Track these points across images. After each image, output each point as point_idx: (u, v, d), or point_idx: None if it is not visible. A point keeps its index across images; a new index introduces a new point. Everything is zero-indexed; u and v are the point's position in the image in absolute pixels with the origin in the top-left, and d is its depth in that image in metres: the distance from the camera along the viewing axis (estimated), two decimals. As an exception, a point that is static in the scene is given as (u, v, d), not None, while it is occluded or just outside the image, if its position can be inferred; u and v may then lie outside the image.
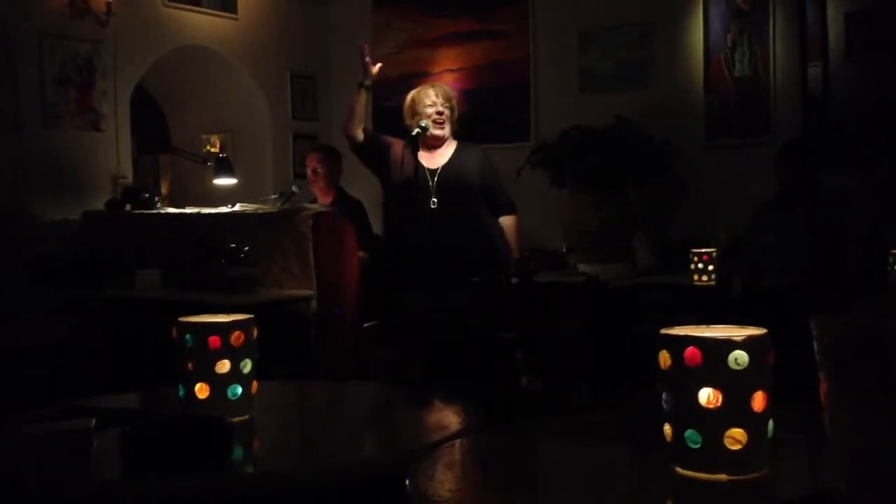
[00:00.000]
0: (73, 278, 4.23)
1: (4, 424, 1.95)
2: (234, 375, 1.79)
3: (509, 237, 3.83)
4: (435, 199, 3.62)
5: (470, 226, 3.66)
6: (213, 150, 5.58)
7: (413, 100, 3.79)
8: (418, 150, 3.65)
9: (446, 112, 3.71)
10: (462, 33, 5.63)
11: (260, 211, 4.17)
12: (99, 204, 4.63)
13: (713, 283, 3.69)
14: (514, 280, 3.60)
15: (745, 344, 1.24)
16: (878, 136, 4.28)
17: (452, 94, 3.83)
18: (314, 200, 4.90)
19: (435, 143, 3.73)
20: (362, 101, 3.69)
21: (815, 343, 1.12)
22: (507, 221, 3.83)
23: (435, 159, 3.73)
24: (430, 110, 3.69)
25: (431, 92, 3.75)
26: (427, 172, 3.66)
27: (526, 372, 3.80)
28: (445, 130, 3.70)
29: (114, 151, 4.87)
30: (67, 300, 4.07)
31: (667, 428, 1.30)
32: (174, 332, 1.80)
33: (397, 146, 3.74)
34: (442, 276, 3.54)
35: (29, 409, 1.94)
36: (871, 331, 1.07)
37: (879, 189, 3.99)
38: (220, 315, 1.84)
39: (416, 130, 3.63)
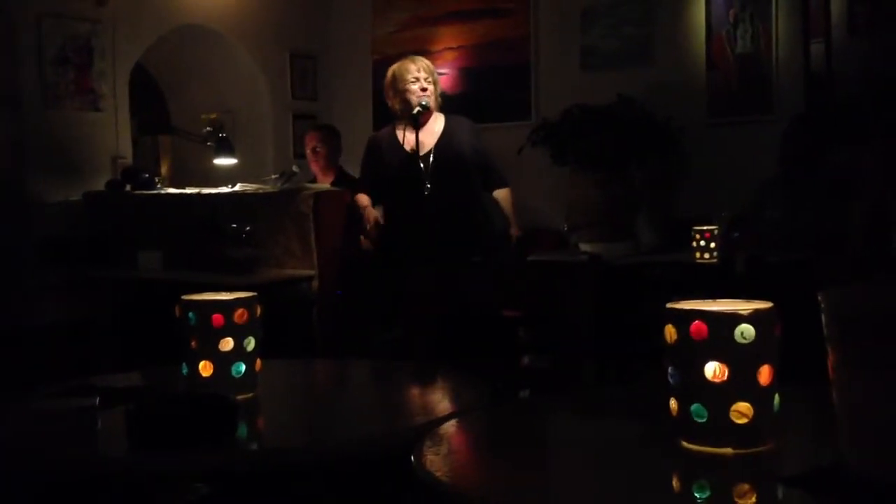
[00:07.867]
0: (77, 259, 4.23)
1: (10, 402, 1.96)
2: (238, 353, 1.78)
3: (507, 211, 3.81)
4: (429, 185, 3.55)
5: (465, 204, 3.61)
6: (211, 130, 5.54)
7: (394, 76, 3.72)
8: (418, 129, 3.60)
9: (430, 87, 3.64)
10: (463, 12, 5.58)
11: (261, 191, 4.16)
12: (99, 185, 4.61)
13: (715, 260, 3.69)
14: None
15: (752, 317, 1.24)
16: (882, 112, 4.25)
17: (433, 66, 3.78)
18: (314, 180, 4.89)
19: (423, 120, 3.65)
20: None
21: (823, 316, 1.11)
22: (502, 195, 3.82)
23: (426, 139, 3.64)
24: (414, 86, 3.64)
25: (413, 67, 3.66)
26: (418, 159, 3.59)
27: (529, 351, 3.80)
28: (431, 103, 3.64)
29: (113, 132, 4.84)
30: (72, 281, 4.08)
31: (672, 402, 1.30)
32: (177, 311, 1.79)
33: (384, 139, 3.70)
34: (443, 258, 3.52)
35: (35, 388, 1.94)
36: (880, 303, 1.07)
37: (884, 164, 3.98)
38: (223, 293, 1.84)
39: (416, 110, 3.60)
